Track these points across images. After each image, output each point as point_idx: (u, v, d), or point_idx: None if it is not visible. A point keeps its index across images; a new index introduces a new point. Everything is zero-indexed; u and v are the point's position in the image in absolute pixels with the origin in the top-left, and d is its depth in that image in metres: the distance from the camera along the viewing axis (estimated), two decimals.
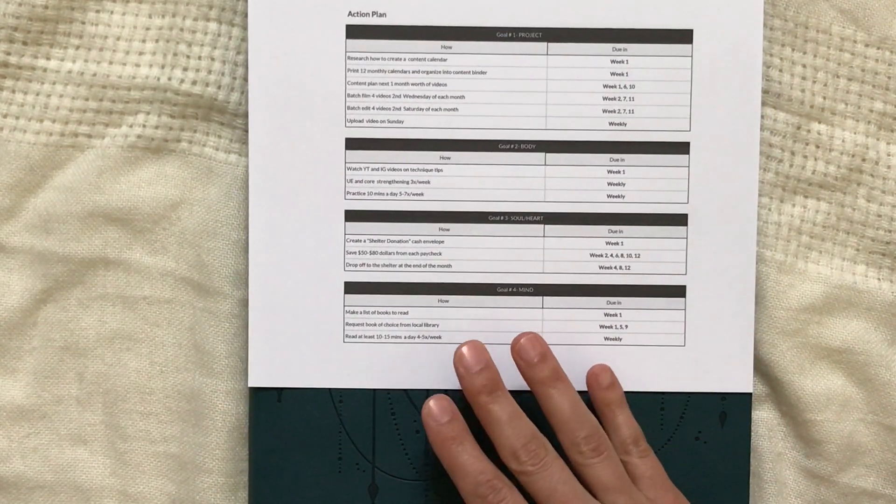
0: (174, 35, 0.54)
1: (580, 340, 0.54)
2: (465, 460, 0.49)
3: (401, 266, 0.54)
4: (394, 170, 0.53)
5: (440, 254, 0.54)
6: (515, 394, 0.52)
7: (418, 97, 0.53)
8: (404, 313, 0.54)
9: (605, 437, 0.51)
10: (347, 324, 0.54)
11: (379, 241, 0.54)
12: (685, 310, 0.54)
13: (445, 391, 0.54)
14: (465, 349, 0.51)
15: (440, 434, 0.50)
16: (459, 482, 0.49)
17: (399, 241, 0.54)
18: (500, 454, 0.50)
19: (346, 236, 0.54)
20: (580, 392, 0.52)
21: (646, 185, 0.54)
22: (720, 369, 0.54)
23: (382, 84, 0.53)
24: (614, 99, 0.53)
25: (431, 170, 0.53)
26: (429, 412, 0.50)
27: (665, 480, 0.51)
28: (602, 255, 0.54)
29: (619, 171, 0.54)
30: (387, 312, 0.54)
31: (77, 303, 0.55)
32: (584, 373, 0.54)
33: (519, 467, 0.49)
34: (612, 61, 0.53)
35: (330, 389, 0.54)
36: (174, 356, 0.54)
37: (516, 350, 0.51)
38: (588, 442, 0.50)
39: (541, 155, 0.53)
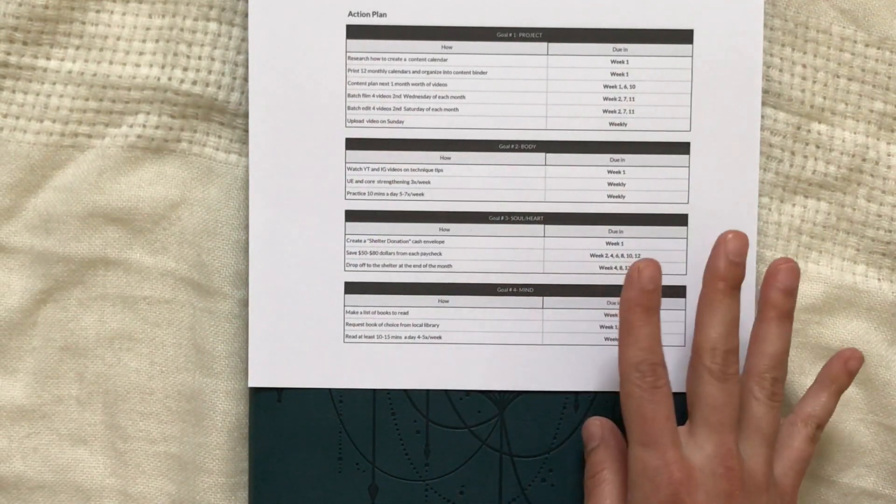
0: (174, 35, 0.54)
1: (580, 340, 0.54)
2: (646, 333, 0.49)
3: (401, 266, 0.54)
4: (394, 170, 0.53)
5: (440, 254, 0.54)
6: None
7: (418, 97, 0.53)
8: (404, 313, 0.54)
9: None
10: (347, 324, 0.54)
11: (379, 241, 0.54)
12: (685, 310, 0.54)
13: (446, 391, 0.54)
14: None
15: (639, 299, 0.49)
16: (628, 350, 0.49)
17: (399, 241, 0.54)
18: (698, 342, 0.49)
19: (347, 236, 0.54)
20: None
21: (646, 186, 0.54)
22: None
23: (383, 84, 0.53)
24: (614, 99, 0.53)
25: (431, 170, 0.53)
26: (638, 271, 0.49)
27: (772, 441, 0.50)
28: (602, 256, 0.54)
29: (619, 171, 0.54)
30: (387, 312, 0.54)
31: (77, 303, 0.55)
32: (584, 373, 0.54)
33: (710, 364, 0.48)
34: (613, 61, 0.53)
35: (330, 389, 0.54)
36: (174, 356, 0.54)
37: (779, 268, 0.51)
38: (775, 383, 0.50)
39: (541, 155, 0.53)
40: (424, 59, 0.53)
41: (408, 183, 0.54)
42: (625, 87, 0.53)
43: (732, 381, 0.49)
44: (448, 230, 0.54)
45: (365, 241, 0.54)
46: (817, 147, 0.55)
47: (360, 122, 0.53)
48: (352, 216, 0.53)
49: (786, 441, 0.51)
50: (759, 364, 0.50)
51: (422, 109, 0.53)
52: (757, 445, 0.49)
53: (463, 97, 0.53)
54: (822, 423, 0.52)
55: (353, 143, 0.53)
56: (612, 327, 0.54)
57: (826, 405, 0.52)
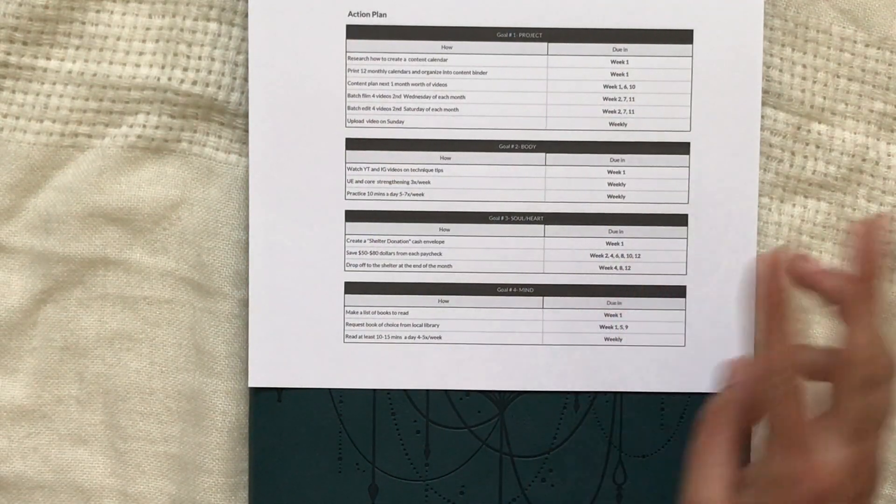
0: (174, 35, 0.54)
1: (580, 341, 0.54)
2: (778, 335, 0.44)
3: (401, 266, 0.54)
4: (394, 170, 0.53)
5: (440, 254, 0.54)
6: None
7: (418, 97, 0.53)
8: (404, 313, 0.54)
9: None
10: (347, 324, 0.54)
11: (379, 241, 0.54)
12: (685, 310, 0.54)
13: (446, 391, 0.54)
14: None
15: (766, 296, 0.44)
16: (768, 351, 0.44)
17: (399, 242, 0.54)
18: (846, 354, 0.44)
19: (347, 236, 0.54)
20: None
21: (646, 186, 0.54)
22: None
23: (383, 84, 0.53)
24: (614, 99, 0.53)
25: (432, 170, 0.53)
26: (763, 261, 0.44)
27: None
28: (602, 256, 0.54)
29: (619, 172, 0.54)
30: (387, 312, 0.54)
31: (77, 303, 0.55)
32: (584, 373, 0.54)
33: (862, 372, 0.43)
34: (613, 61, 0.53)
35: (330, 389, 0.54)
36: (174, 356, 0.54)
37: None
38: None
39: (541, 155, 0.53)
40: (424, 59, 0.53)
41: (408, 183, 0.54)
42: (625, 87, 0.53)
43: (883, 384, 0.44)
44: (448, 230, 0.54)
45: (365, 241, 0.54)
46: (817, 147, 0.55)
47: (360, 122, 0.53)
48: (352, 216, 0.53)
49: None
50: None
51: (422, 109, 0.53)
52: (873, 433, 0.44)
53: (463, 97, 0.53)
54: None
55: (353, 143, 0.53)
56: (612, 327, 0.54)
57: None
